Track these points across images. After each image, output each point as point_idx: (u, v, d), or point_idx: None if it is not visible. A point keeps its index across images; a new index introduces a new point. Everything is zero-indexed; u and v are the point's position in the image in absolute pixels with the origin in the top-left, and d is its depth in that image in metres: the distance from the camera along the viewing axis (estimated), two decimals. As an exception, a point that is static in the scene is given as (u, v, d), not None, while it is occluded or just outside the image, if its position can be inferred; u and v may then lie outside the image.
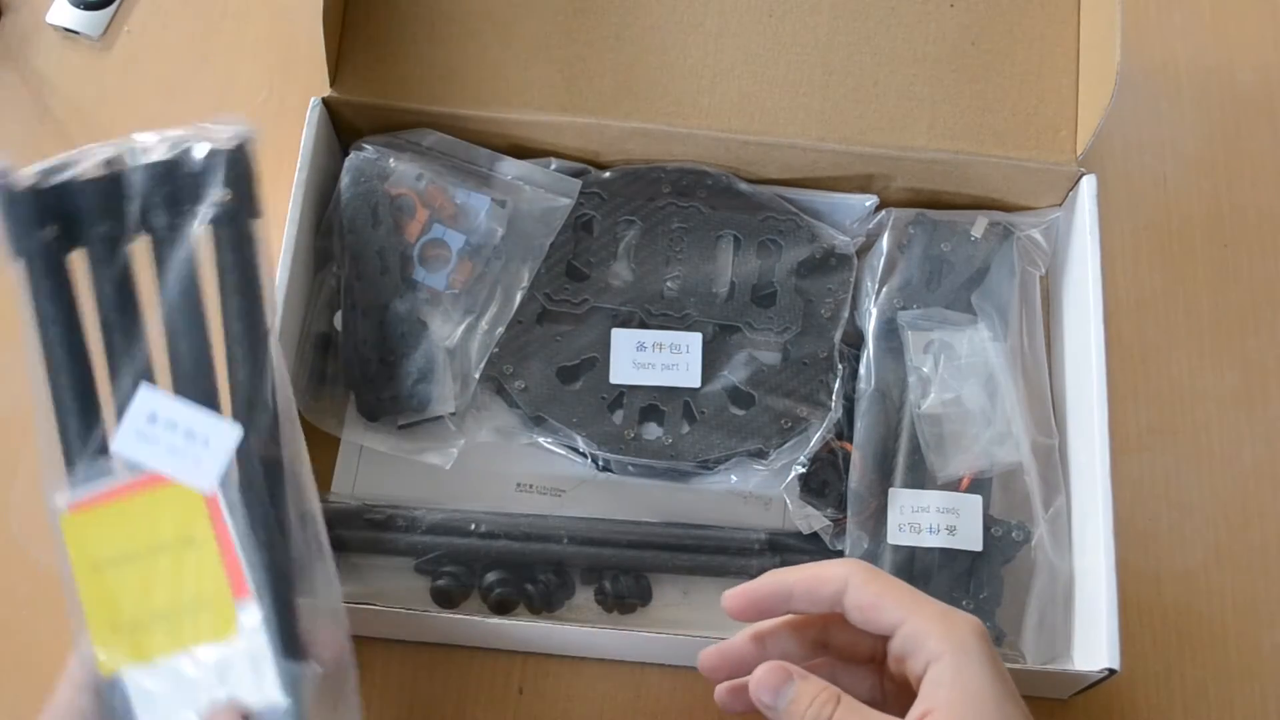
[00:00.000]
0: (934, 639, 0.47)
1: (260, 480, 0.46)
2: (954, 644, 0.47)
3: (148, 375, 0.46)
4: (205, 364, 0.47)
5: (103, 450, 0.46)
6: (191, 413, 0.45)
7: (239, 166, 0.48)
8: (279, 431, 0.46)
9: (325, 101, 0.69)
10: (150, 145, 0.47)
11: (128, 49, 0.79)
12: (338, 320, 0.68)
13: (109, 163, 0.47)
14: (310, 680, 0.45)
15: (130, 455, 0.45)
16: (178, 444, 0.45)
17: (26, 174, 0.46)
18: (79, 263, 0.48)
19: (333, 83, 0.69)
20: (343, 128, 0.71)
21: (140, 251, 0.48)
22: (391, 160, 0.69)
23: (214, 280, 0.48)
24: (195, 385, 0.46)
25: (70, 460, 0.45)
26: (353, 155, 0.70)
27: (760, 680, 0.49)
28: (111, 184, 0.47)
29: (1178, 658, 0.67)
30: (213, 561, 0.45)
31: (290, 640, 0.45)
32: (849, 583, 0.49)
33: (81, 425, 0.46)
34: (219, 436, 0.45)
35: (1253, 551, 0.69)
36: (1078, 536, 0.65)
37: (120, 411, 0.45)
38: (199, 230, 0.47)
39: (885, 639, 0.50)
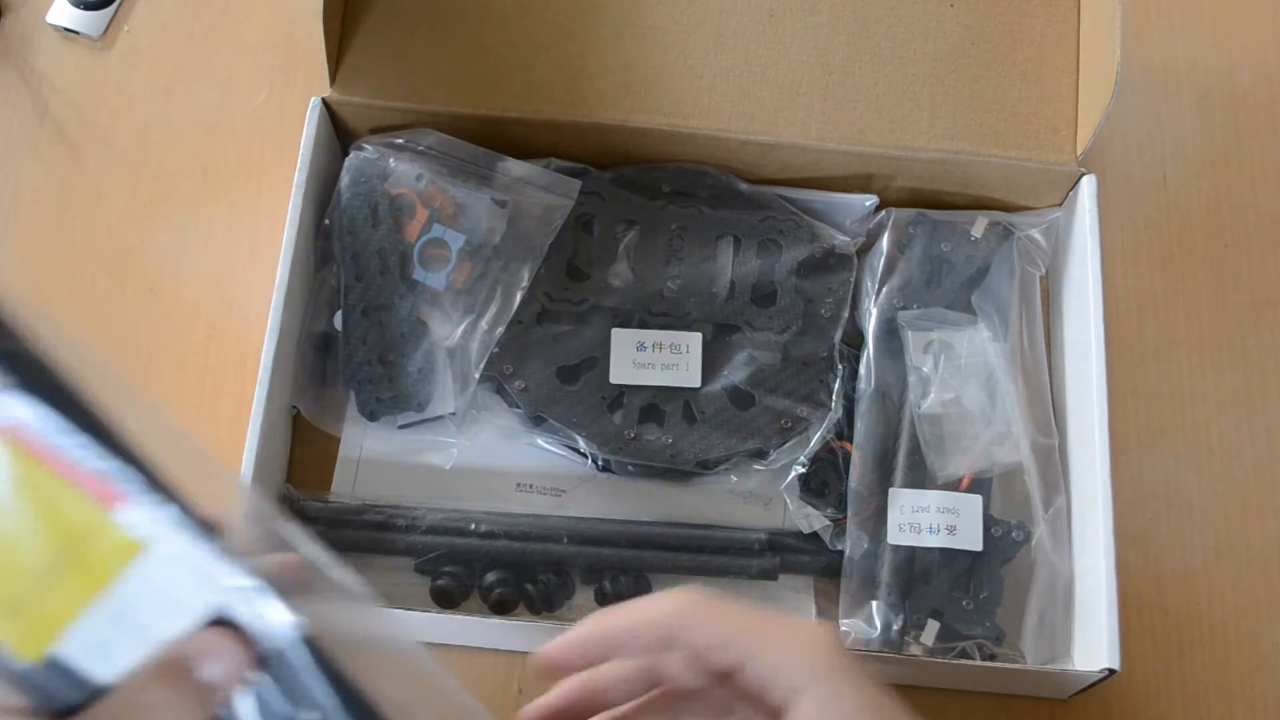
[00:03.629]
0: (790, 672, 0.42)
1: (32, 372, 0.37)
2: (813, 674, 0.42)
3: None
4: None
5: None
6: None
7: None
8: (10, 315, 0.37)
9: (325, 101, 0.69)
10: None
11: (128, 49, 0.79)
12: (338, 320, 0.68)
13: None
14: (272, 557, 0.39)
15: None
16: None
17: None
18: None
19: (333, 83, 0.69)
20: (343, 128, 0.71)
21: None
22: (391, 160, 0.69)
23: None
24: None
25: None
26: (353, 155, 0.70)
27: None
28: None
29: (1178, 658, 0.67)
30: (58, 488, 0.37)
31: (199, 520, 0.38)
32: (682, 625, 0.43)
33: None
34: None
35: (1253, 551, 0.69)
36: (1078, 536, 0.65)
37: None
38: None
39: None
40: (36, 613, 0.38)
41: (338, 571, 0.41)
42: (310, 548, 0.40)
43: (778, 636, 0.43)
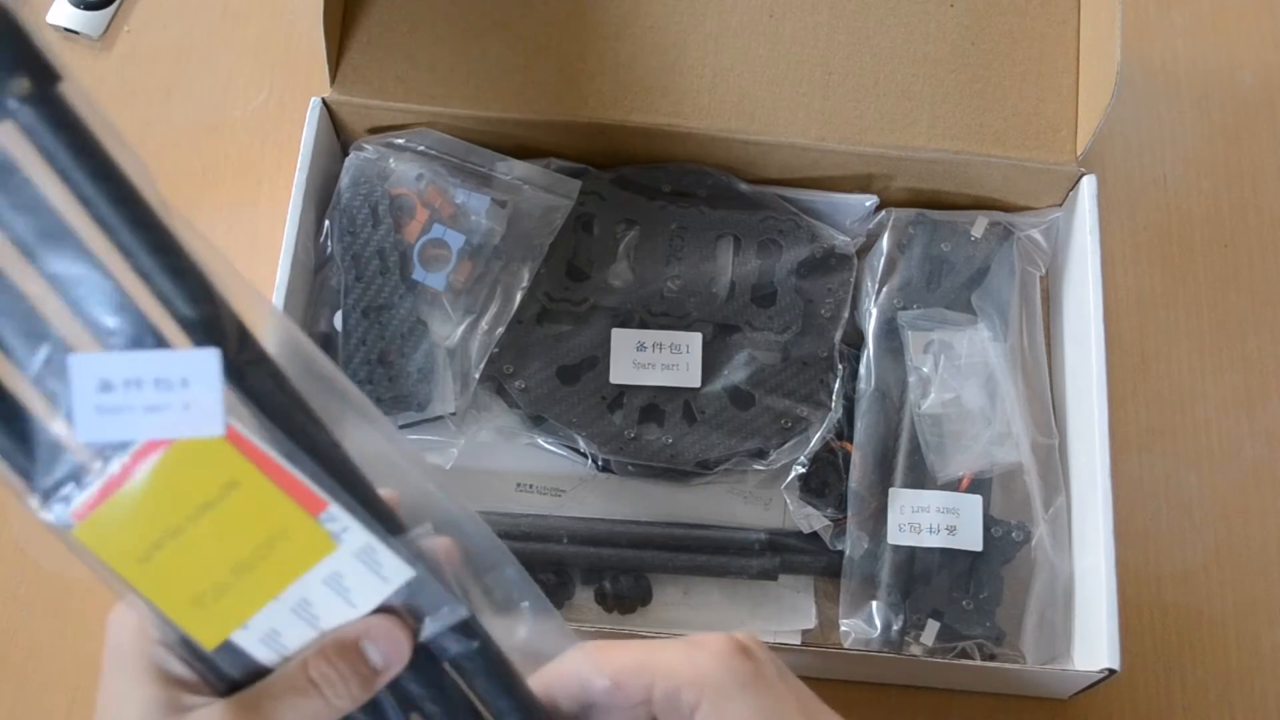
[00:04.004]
0: (685, 689, 0.42)
1: (266, 381, 0.38)
2: (706, 687, 0.42)
3: (48, 339, 0.37)
4: (116, 293, 0.37)
5: (55, 451, 0.38)
6: (149, 359, 0.37)
7: (8, 35, 0.35)
8: (245, 323, 0.38)
9: (325, 101, 0.69)
10: None
11: (128, 49, 0.79)
12: (338, 320, 0.68)
13: None
14: (429, 542, 0.41)
15: (103, 439, 0.37)
16: (155, 400, 0.37)
17: None
18: None
19: (333, 83, 0.69)
20: (343, 128, 0.71)
21: None
22: (391, 160, 0.69)
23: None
24: (125, 324, 0.37)
25: (30, 477, 0.38)
26: (353, 155, 0.70)
27: None
28: None
29: (1178, 658, 0.67)
30: (269, 493, 0.38)
31: (385, 517, 0.40)
32: (584, 676, 0.43)
33: (16, 440, 0.37)
34: (196, 369, 0.37)
35: (1253, 551, 0.69)
36: (1078, 536, 0.65)
37: (59, 399, 0.37)
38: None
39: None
40: (224, 605, 0.40)
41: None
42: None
43: (670, 658, 0.43)
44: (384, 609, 0.40)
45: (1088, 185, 0.68)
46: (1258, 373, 0.73)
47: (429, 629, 0.41)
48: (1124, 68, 0.64)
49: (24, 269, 0.36)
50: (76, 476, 0.38)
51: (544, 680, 0.43)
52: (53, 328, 0.37)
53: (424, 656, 0.41)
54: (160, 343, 0.37)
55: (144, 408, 0.37)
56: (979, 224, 0.71)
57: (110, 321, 0.37)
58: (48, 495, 0.38)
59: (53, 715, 0.64)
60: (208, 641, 0.40)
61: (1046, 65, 0.71)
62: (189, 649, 0.40)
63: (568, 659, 0.43)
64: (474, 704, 0.42)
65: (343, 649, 0.40)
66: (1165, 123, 0.78)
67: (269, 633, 0.40)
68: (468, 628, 0.41)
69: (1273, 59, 0.80)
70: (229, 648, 0.40)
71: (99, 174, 0.36)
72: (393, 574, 0.40)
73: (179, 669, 0.40)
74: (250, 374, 0.38)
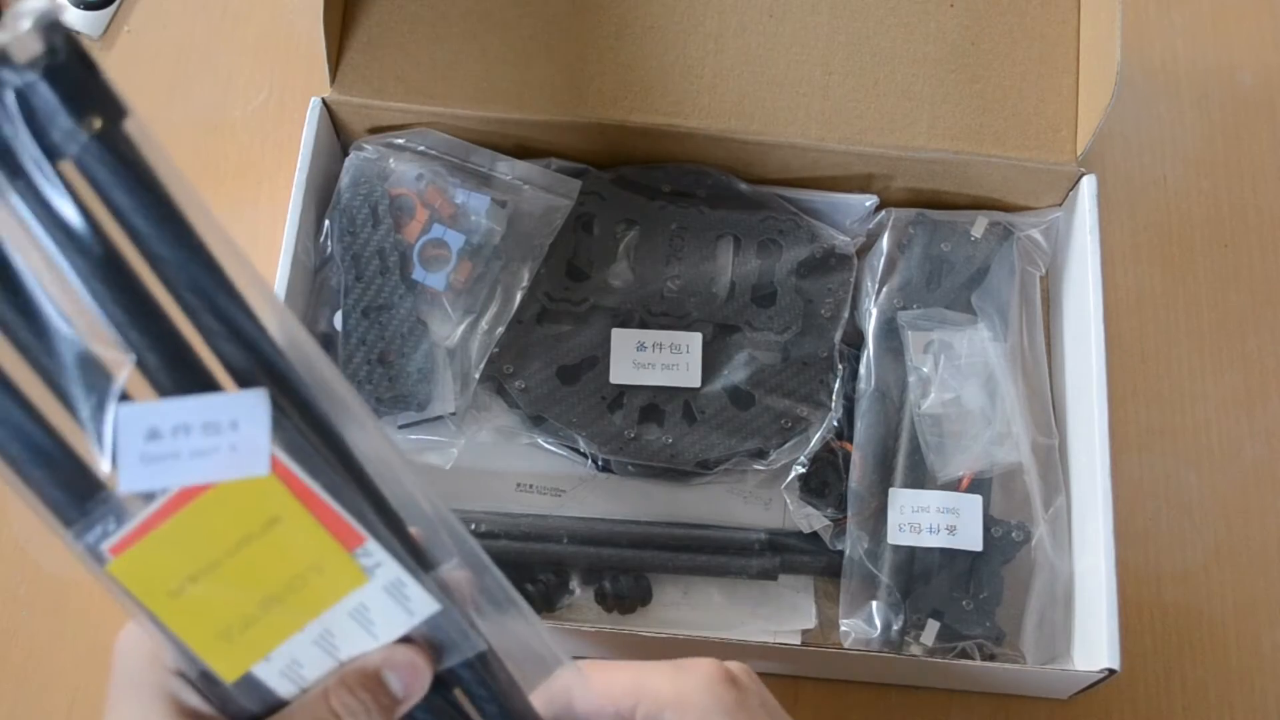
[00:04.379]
0: (669, 710, 0.43)
1: (309, 423, 0.38)
2: (688, 709, 0.43)
3: (102, 385, 0.36)
4: (171, 338, 0.36)
5: (97, 489, 0.37)
6: (198, 405, 0.36)
7: (77, 67, 0.32)
8: (293, 366, 0.38)
9: (325, 101, 0.69)
10: None
11: (128, 49, 0.79)
12: (338, 320, 0.68)
13: None
14: (455, 578, 0.41)
15: (146, 487, 0.37)
16: (202, 445, 0.36)
17: None
18: None
19: (333, 83, 0.69)
20: (342, 128, 0.71)
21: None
22: (391, 160, 0.69)
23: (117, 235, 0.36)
24: (176, 371, 0.36)
25: (69, 515, 0.37)
26: (353, 155, 0.70)
27: None
28: None
29: (1178, 658, 0.67)
30: (309, 528, 0.38)
31: (415, 553, 0.40)
32: (571, 692, 0.44)
33: (60, 481, 0.37)
34: (245, 411, 0.36)
35: (1253, 551, 0.69)
36: (1078, 536, 0.65)
37: (105, 445, 0.36)
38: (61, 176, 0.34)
39: None
40: (249, 638, 0.39)
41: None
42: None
43: (656, 681, 0.43)
44: (404, 639, 0.40)
45: (1088, 185, 0.68)
46: (1258, 373, 0.73)
47: (447, 661, 0.41)
48: (1124, 68, 0.64)
49: (76, 305, 0.35)
50: (117, 513, 0.37)
51: (538, 699, 0.44)
52: (107, 369, 0.36)
53: (438, 686, 0.41)
54: (208, 386, 0.36)
55: (191, 453, 0.36)
56: (979, 224, 0.71)
57: (163, 358, 0.36)
58: (84, 530, 0.37)
59: (52, 715, 0.64)
60: (228, 674, 0.39)
61: (1046, 65, 0.71)
62: (206, 680, 0.39)
63: (559, 677, 0.43)
64: None
65: (365, 679, 0.40)
66: (1165, 123, 0.79)
67: (290, 664, 0.39)
68: (484, 660, 0.41)
69: (1273, 59, 0.80)
70: (249, 680, 0.39)
71: (169, 230, 0.36)
72: (419, 607, 0.40)
73: (194, 700, 0.39)
74: (292, 417, 0.37)
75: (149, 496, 0.36)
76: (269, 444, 0.36)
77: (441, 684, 0.41)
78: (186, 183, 0.36)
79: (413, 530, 0.40)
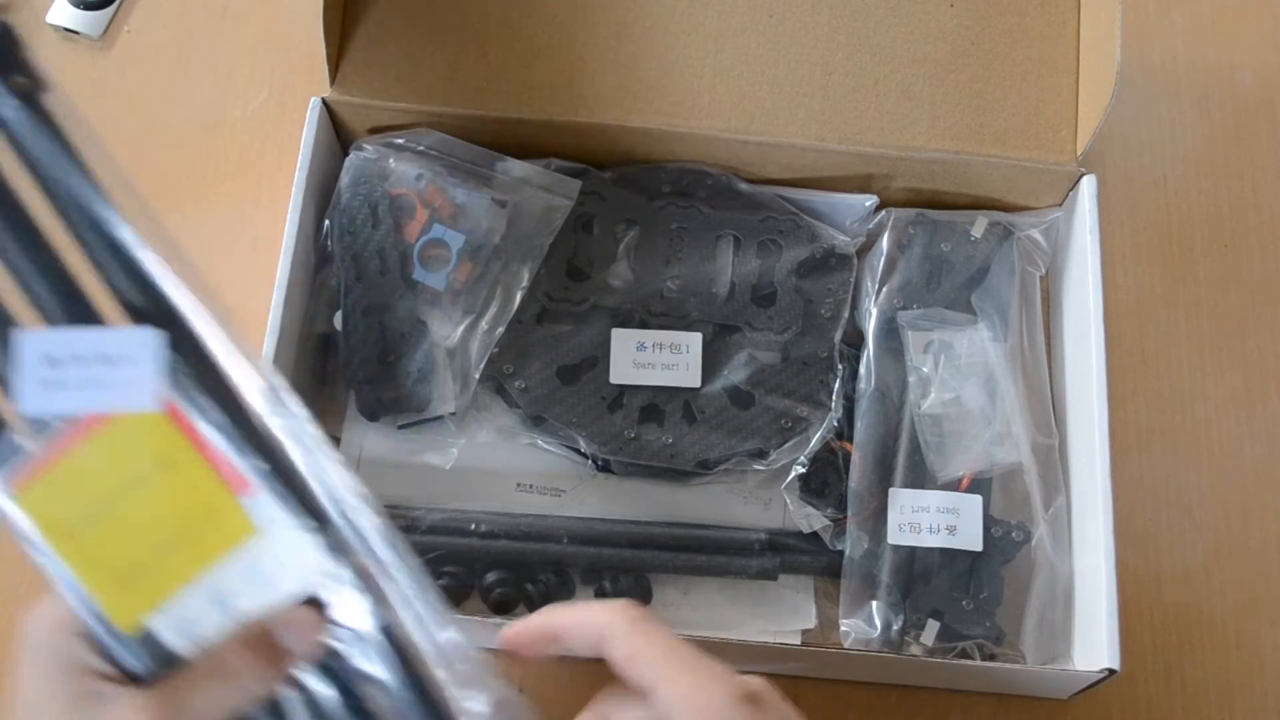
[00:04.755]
0: (681, 712, 0.43)
1: (204, 370, 0.41)
2: (704, 717, 0.43)
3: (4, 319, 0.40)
4: (63, 272, 0.40)
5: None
6: (96, 336, 0.40)
7: (8, 44, 0.42)
8: (188, 319, 0.41)
9: (325, 101, 0.69)
10: None
11: (128, 49, 0.79)
12: (338, 320, 0.68)
13: None
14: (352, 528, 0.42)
15: (46, 410, 0.39)
16: (98, 375, 0.40)
17: None
18: None
19: (333, 83, 0.69)
20: (343, 128, 0.71)
21: None
22: (391, 160, 0.69)
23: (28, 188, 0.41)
24: (73, 307, 0.40)
25: None
26: (353, 155, 0.70)
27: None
28: None
29: (1178, 658, 0.67)
30: (199, 471, 0.41)
31: (311, 507, 0.42)
32: (607, 634, 0.45)
33: None
34: (138, 347, 0.40)
35: (1253, 551, 0.69)
36: (1078, 536, 0.65)
37: (4, 374, 0.40)
38: None
39: None
40: (145, 583, 0.41)
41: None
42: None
43: (685, 679, 0.44)
44: (308, 598, 0.41)
45: (1088, 185, 0.68)
46: (1258, 373, 0.73)
47: (346, 627, 0.42)
48: (1124, 68, 0.64)
49: None
50: (16, 450, 0.39)
51: (568, 618, 0.46)
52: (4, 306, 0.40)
53: (337, 666, 0.42)
54: (100, 322, 0.40)
55: (86, 382, 0.39)
56: (979, 224, 0.71)
57: (58, 303, 0.40)
58: None
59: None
60: (126, 624, 0.41)
61: (1046, 65, 0.71)
62: (108, 638, 0.41)
63: (615, 610, 0.46)
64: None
65: (256, 637, 0.41)
66: (1165, 123, 0.79)
67: (186, 620, 0.41)
68: (388, 632, 0.42)
69: (1273, 59, 0.80)
70: (147, 638, 0.41)
71: (76, 184, 0.40)
72: (314, 566, 0.41)
73: (98, 663, 0.41)
74: (188, 361, 0.41)
75: (45, 428, 0.39)
76: (160, 380, 0.40)
77: (338, 657, 0.42)
78: (103, 147, 0.41)
79: (316, 491, 0.42)
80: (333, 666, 0.42)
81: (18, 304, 0.40)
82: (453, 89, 0.70)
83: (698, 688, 0.43)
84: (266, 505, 0.41)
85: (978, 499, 0.65)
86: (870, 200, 0.71)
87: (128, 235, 0.41)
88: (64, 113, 0.41)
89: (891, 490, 0.65)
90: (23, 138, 0.41)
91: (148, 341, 0.40)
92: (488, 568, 0.65)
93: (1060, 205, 0.71)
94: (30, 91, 0.41)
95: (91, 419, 0.40)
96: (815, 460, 0.66)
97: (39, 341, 0.40)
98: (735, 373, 0.68)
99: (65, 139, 0.41)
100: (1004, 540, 0.65)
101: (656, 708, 0.44)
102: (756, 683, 0.44)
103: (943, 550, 0.64)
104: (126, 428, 0.40)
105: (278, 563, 0.41)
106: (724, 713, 0.43)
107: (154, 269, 0.41)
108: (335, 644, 0.42)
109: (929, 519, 0.64)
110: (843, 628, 0.64)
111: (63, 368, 0.39)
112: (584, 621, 0.46)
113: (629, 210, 0.71)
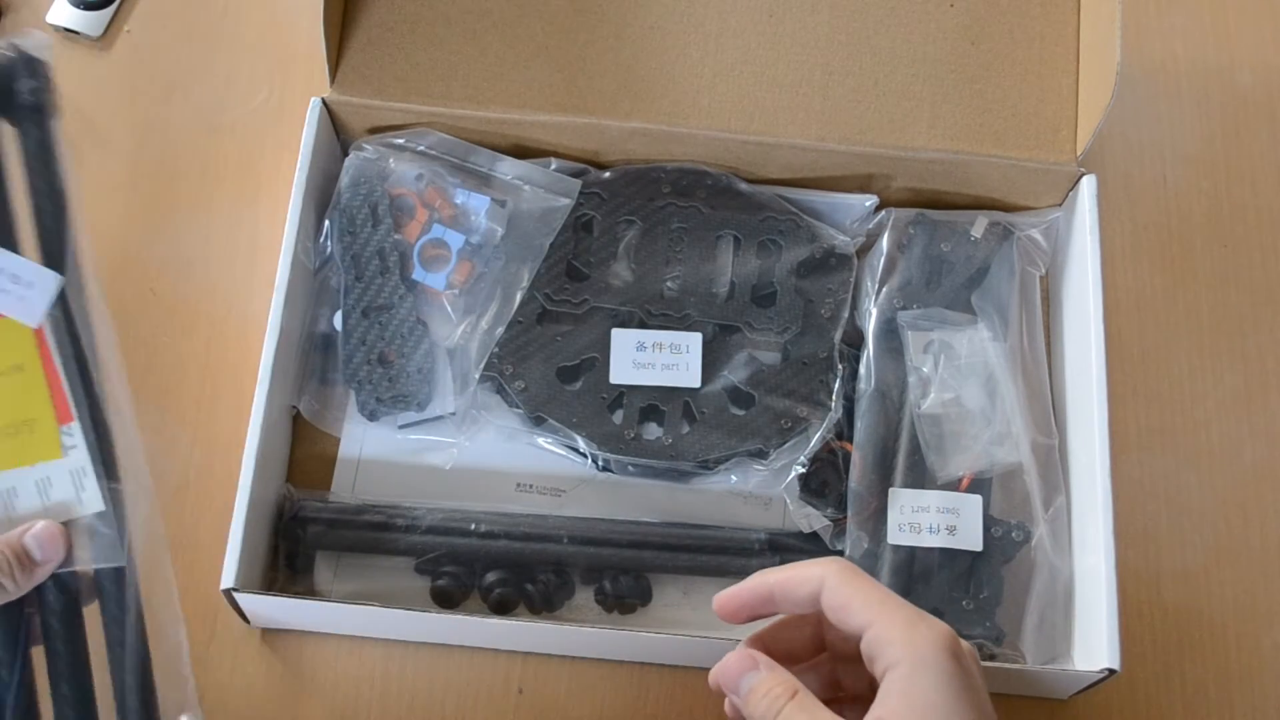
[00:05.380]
0: (895, 646, 0.46)
1: (75, 332, 0.53)
2: (912, 654, 0.46)
3: None
4: (9, 223, 0.54)
5: None
6: (16, 261, 0.53)
7: (42, 71, 0.57)
8: (83, 288, 0.54)
9: (325, 101, 0.69)
10: None
11: (128, 49, 0.79)
12: (338, 320, 0.68)
13: None
14: (133, 498, 0.53)
15: None
16: (5, 285, 0.53)
17: None
18: None
19: (333, 83, 0.69)
20: (343, 128, 0.71)
21: None
22: (391, 160, 0.69)
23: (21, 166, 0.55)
24: (6, 239, 0.54)
25: None
26: (353, 155, 0.70)
27: (725, 667, 0.49)
28: None
29: (1178, 658, 0.67)
30: (39, 387, 0.52)
31: (109, 462, 0.52)
32: (824, 584, 0.48)
33: None
34: (43, 281, 0.53)
35: (1253, 551, 0.69)
36: (1078, 536, 0.65)
37: None
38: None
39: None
40: None
41: None
42: None
43: (899, 615, 0.47)
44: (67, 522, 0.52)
45: (1088, 185, 0.68)
46: (1258, 373, 0.73)
47: (93, 560, 0.52)
48: (1124, 68, 0.64)
49: None
50: None
51: (783, 574, 0.50)
52: None
53: (71, 596, 0.52)
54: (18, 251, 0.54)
55: None
56: (979, 224, 0.71)
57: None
58: None
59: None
60: None
61: (1046, 65, 0.71)
62: None
63: (831, 563, 0.49)
64: (87, 659, 0.52)
65: (12, 540, 0.51)
66: (1165, 123, 0.79)
67: None
68: (121, 576, 0.52)
69: (1273, 59, 0.80)
70: None
71: (48, 173, 0.56)
72: (89, 502, 0.52)
73: None
74: (69, 317, 0.54)
75: None
76: (44, 309, 0.53)
77: (76, 602, 0.52)
78: (72, 169, 0.56)
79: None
80: (69, 582, 0.52)
81: None
82: (453, 89, 0.70)
83: (910, 627, 0.46)
84: (78, 437, 0.52)
85: (978, 499, 0.65)
86: (870, 200, 0.71)
87: (67, 214, 0.55)
88: (58, 134, 0.57)
89: (891, 490, 0.65)
90: (26, 135, 0.56)
91: (50, 281, 0.54)
92: (488, 568, 0.65)
93: (1060, 205, 0.71)
94: (42, 109, 0.56)
95: None
96: (815, 460, 0.66)
97: None
98: (735, 373, 0.68)
99: (50, 143, 0.57)
100: (1004, 540, 0.65)
101: (868, 644, 0.47)
102: (966, 644, 0.47)
103: (943, 550, 0.64)
104: (3, 327, 0.52)
105: (63, 489, 0.52)
106: (931, 653, 0.46)
107: (78, 237, 0.55)
108: (77, 566, 0.52)
109: (929, 519, 0.64)
110: (843, 628, 0.64)
111: None
112: (799, 576, 0.49)
113: (629, 210, 0.71)
